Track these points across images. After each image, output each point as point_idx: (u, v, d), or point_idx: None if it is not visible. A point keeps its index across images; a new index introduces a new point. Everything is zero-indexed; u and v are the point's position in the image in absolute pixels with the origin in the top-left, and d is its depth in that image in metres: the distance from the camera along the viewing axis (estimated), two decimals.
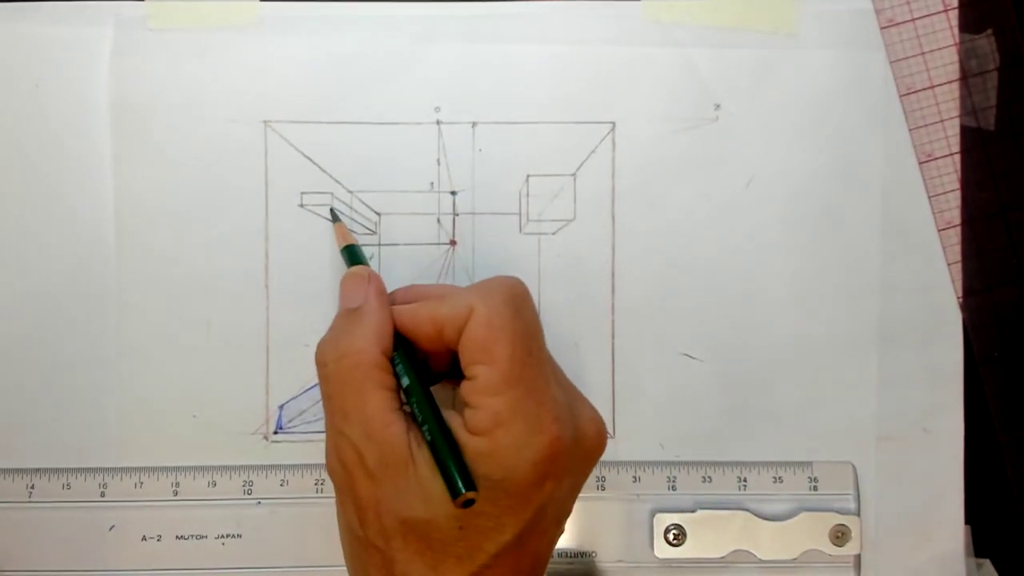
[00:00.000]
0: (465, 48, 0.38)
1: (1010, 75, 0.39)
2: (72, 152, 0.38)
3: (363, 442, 0.29)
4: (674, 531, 0.37)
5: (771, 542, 0.37)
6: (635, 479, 0.38)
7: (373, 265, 0.38)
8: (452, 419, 0.29)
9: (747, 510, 0.38)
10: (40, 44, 0.37)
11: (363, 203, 0.38)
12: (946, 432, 0.38)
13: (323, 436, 0.37)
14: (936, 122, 0.38)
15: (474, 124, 0.38)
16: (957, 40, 0.38)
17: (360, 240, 0.38)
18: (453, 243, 0.38)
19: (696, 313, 0.38)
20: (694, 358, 0.38)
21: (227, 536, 0.38)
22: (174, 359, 0.38)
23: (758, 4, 0.38)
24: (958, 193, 0.39)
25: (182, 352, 0.38)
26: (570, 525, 0.38)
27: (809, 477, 0.38)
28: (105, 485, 0.37)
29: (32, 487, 0.37)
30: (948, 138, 0.38)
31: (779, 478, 0.38)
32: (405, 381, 0.30)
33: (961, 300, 0.39)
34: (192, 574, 0.38)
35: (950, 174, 0.39)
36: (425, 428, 0.29)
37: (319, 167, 0.38)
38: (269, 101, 0.38)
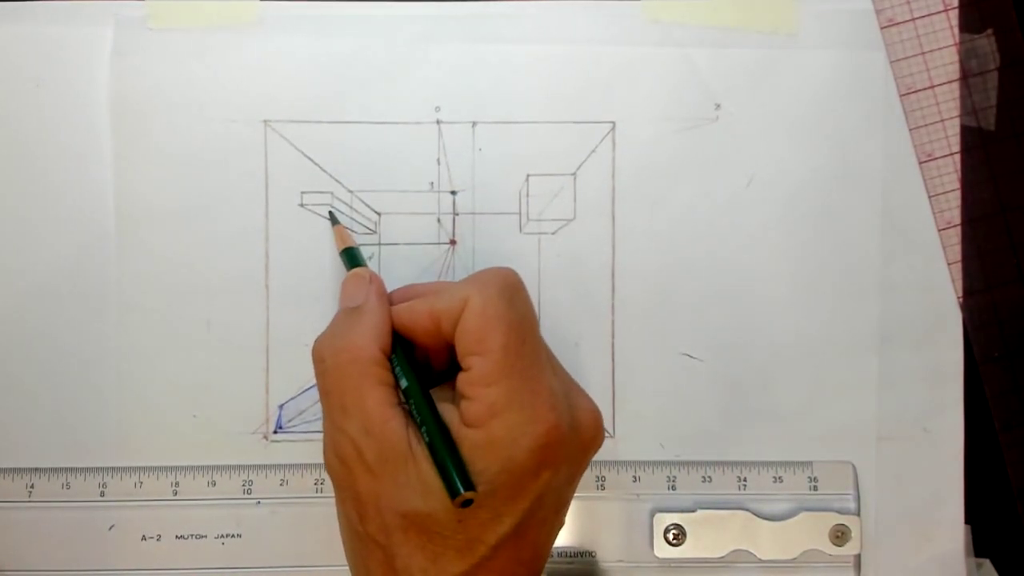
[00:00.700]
0: (465, 48, 0.38)
1: (1010, 75, 0.39)
2: (72, 152, 0.38)
3: (362, 437, 0.29)
4: (674, 531, 0.37)
5: (771, 542, 0.37)
6: (635, 479, 0.38)
7: (373, 265, 0.38)
8: (449, 413, 0.29)
9: (747, 510, 0.38)
10: (40, 44, 0.37)
11: (363, 203, 0.38)
12: (946, 432, 0.38)
13: (322, 436, 0.38)
14: (936, 122, 0.38)
15: (474, 124, 0.38)
16: (957, 40, 0.38)
17: (360, 240, 0.38)
18: (453, 243, 0.38)
19: (696, 313, 0.38)
20: (694, 358, 0.38)
21: (227, 536, 0.38)
22: (174, 359, 0.38)
23: (758, 4, 0.38)
24: (958, 193, 0.38)
25: (182, 352, 0.38)
26: (570, 525, 0.38)
27: (809, 477, 0.38)
28: (105, 485, 0.37)
29: (32, 487, 0.37)
30: (948, 138, 0.38)
31: (779, 478, 0.38)
32: (404, 382, 0.30)
33: (961, 300, 0.38)
34: (192, 574, 0.38)
35: (950, 174, 0.39)
36: (424, 429, 0.29)
37: (319, 167, 0.38)
38: (269, 101, 0.38)
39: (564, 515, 0.32)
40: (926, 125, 0.38)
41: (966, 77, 0.39)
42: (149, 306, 0.38)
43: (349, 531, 0.31)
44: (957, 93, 0.38)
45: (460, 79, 0.38)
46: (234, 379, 0.38)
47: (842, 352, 0.38)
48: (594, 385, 0.38)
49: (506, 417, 0.28)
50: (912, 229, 0.39)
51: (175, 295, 0.38)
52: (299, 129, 0.38)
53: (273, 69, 0.38)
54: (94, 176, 0.38)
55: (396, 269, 0.38)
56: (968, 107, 0.39)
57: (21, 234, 0.38)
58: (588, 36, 0.38)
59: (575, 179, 0.38)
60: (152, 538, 0.37)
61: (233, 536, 0.38)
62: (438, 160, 0.38)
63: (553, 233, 0.38)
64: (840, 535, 0.37)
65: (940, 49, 0.38)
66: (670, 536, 0.37)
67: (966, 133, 0.38)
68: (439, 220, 0.38)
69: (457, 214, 0.38)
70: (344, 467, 0.29)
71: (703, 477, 0.38)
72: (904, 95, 0.38)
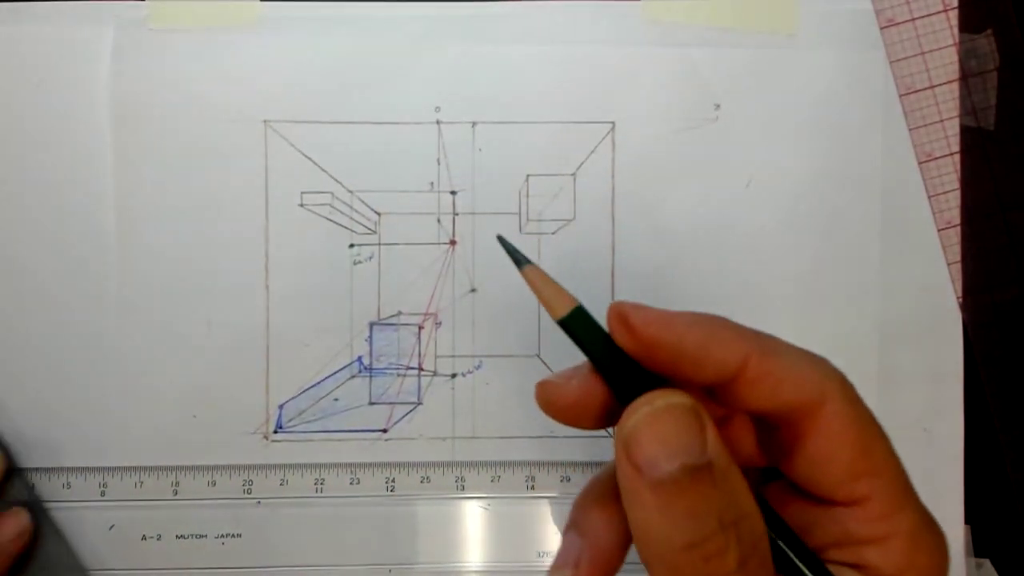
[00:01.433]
0: (465, 48, 0.38)
1: (1010, 75, 0.39)
2: (73, 152, 0.38)
3: None
4: None
5: None
6: None
7: (373, 265, 0.38)
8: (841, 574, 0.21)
9: None
10: (41, 44, 0.37)
11: (363, 203, 0.38)
12: (946, 432, 0.38)
13: (322, 435, 0.38)
14: (936, 122, 0.38)
15: (474, 124, 0.38)
16: (957, 40, 0.38)
17: (360, 240, 0.38)
18: (453, 243, 0.38)
19: None
20: None
21: (227, 536, 0.38)
22: (174, 359, 0.38)
23: (758, 4, 0.38)
24: (958, 193, 0.38)
25: (182, 352, 0.38)
26: None
27: None
28: (105, 485, 0.37)
29: (33, 487, 0.37)
30: (948, 138, 0.38)
31: None
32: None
33: (961, 300, 0.38)
34: (192, 574, 0.38)
35: (950, 174, 0.38)
36: None
37: (319, 167, 0.38)
38: (269, 101, 0.38)
39: None
40: (926, 125, 0.38)
41: (966, 77, 0.39)
42: (149, 306, 0.38)
43: None
44: (957, 93, 0.38)
45: (460, 79, 0.38)
46: (234, 379, 0.38)
47: (842, 352, 0.38)
48: None
49: (926, 543, 0.21)
50: (912, 229, 0.39)
51: (175, 295, 0.38)
52: (299, 129, 0.38)
53: (273, 69, 0.38)
54: (94, 175, 0.38)
55: (396, 269, 0.38)
56: (968, 107, 0.39)
57: (22, 234, 0.38)
58: (588, 36, 0.38)
59: (575, 179, 0.38)
60: (152, 538, 0.37)
61: (233, 536, 0.38)
62: (438, 160, 0.38)
63: (553, 233, 0.38)
64: None
65: (940, 49, 0.38)
66: None
67: (966, 133, 0.38)
68: (439, 220, 0.38)
69: (457, 214, 0.38)
70: None
71: None
72: (904, 95, 0.38)
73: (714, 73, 0.38)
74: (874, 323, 0.38)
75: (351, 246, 0.38)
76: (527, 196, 0.38)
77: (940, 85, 0.38)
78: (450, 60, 0.38)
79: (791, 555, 0.20)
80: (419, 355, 0.38)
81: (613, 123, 0.38)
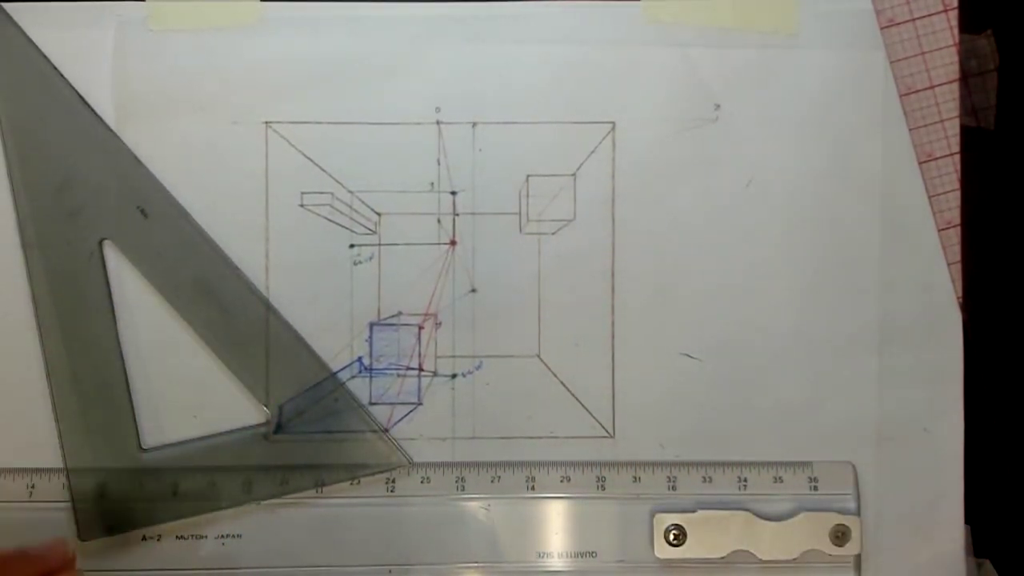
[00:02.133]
0: (465, 48, 0.38)
1: (1010, 75, 0.39)
2: None
3: None
4: (674, 531, 0.37)
5: (771, 542, 0.37)
6: (635, 479, 0.38)
7: (373, 265, 0.38)
8: None
9: (747, 510, 0.38)
10: (41, 45, 0.37)
11: (363, 203, 0.38)
12: (946, 432, 0.38)
13: (323, 436, 0.38)
14: (936, 122, 0.38)
15: (474, 124, 0.38)
16: (957, 40, 0.38)
17: (360, 240, 0.38)
18: (453, 243, 0.38)
19: (696, 313, 0.38)
20: (694, 358, 0.38)
21: (227, 536, 0.38)
22: (174, 359, 0.38)
23: (758, 4, 0.38)
24: (958, 193, 0.38)
25: (182, 352, 0.38)
26: (570, 525, 0.38)
27: (809, 477, 0.38)
28: (104, 484, 0.37)
29: (32, 487, 0.37)
30: (948, 138, 0.38)
31: (779, 478, 0.38)
32: None
33: (961, 300, 0.38)
34: (192, 574, 0.38)
35: (950, 174, 0.39)
36: None
37: (319, 167, 0.38)
38: (269, 101, 0.38)
39: None
40: (926, 125, 0.38)
41: (966, 77, 0.39)
42: (149, 306, 0.38)
43: None
44: (957, 93, 0.38)
45: (460, 79, 0.38)
46: (234, 379, 0.38)
47: (842, 352, 0.39)
48: (594, 385, 0.38)
49: None
50: (912, 229, 0.39)
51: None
52: (299, 129, 0.38)
53: (273, 69, 0.38)
54: None
55: (396, 269, 0.38)
56: (968, 107, 0.39)
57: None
58: (588, 36, 0.38)
59: (575, 179, 0.38)
60: (152, 538, 0.37)
61: (233, 536, 0.38)
62: (438, 160, 0.38)
63: (553, 233, 0.38)
64: (840, 535, 0.37)
65: (940, 49, 0.38)
66: (670, 536, 0.37)
67: (966, 133, 0.38)
68: (439, 220, 0.38)
69: (457, 214, 0.38)
70: None
71: (703, 477, 0.38)
72: (904, 95, 0.39)
73: (714, 73, 0.38)
74: (874, 323, 0.38)
75: (351, 246, 0.38)
76: (527, 196, 0.38)
77: (940, 85, 0.38)
78: (450, 60, 0.38)
79: None
80: (419, 355, 0.38)
81: (613, 123, 0.38)
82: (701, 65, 0.38)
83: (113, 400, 0.37)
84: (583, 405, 0.38)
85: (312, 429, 0.38)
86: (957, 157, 0.38)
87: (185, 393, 0.38)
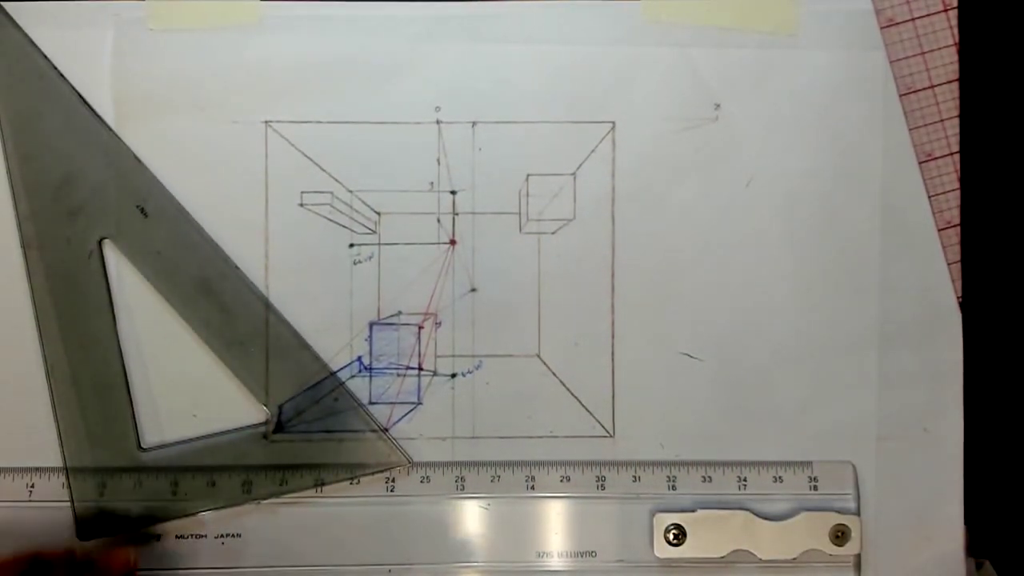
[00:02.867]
0: (465, 48, 0.38)
1: (1009, 75, 0.39)
2: None
3: None
4: (674, 531, 0.37)
5: (771, 542, 0.37)
6: (635, 479, 0.38)
7: (373, 265, 0.38)
8: None
9: (747, 510, 0.38)
10: (41, 45, 0.37)
11: (363, 203, 0.38)
12: (946, 432, 0.38)
13: (323, 436, 0.38)
14: (936, 122, 0.38)
15: (474, 124, 0.38)
16: (957, 40, 0.38)
17: (360, 240, 0.38)
18: (453, 243, 0.38)
19: (696, 313, 0.38)
20: (694, 358, 0.38)
21: (227, 536, 0.38)
22: (174, 359, 0.38)
23: (758, 4, 0.38)
24: (958, 193, 0.38)
25: (182, 352, 0.38)
26: (570, 525, 0.38)
27: (809, 477, 0.38)
28: (103, 485, 0.37)
29: (32, 487, 0.37)
30: (948, 138, 0.38)
31: (779, 478, 0.38)
32: None
33: (961, 300, 0.38)
34: (192, 574, 0.38)
35: (950, 174, 0.39)
36: None
37: (319, 167, 0.38)
38: (269, 101, 0.38)
39: None
40: (926, 125, 0.38)
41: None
42: (149, 305, 0.38)
43: None
44: (957, 93, 0.38)
45: (460, 79, 0.38)
46: (234, 379, 0.38)
47: (842, 352, 0.39)
48: (594, 385, 0.38)
49: None
50: (912, 229, 0.39)
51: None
52: (299, 129, 0.38)
53: (273, 69, 0.38)
54: None
55: (396, 269, 0.38)
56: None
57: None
58: (588, 36, 0.38)
59: (575, 179, 0.38)
60: (152, 538, 0.37)
61: (233, 536, 0.38)
62: (438, 160, 0.38)
63: (553, 233, 0.38)
64: (840, 535, 0.37)
65: (940, 49, 0.38)
66: (670, 536, 0.37)
67: (966, 133, 0.38)
68: (439, 220, 0.38)
69: (457, 214, 0.38)
70: None
71: (703, 477, 0.38)
72: (904, 95, 0.39)
73: (714, 73, 0.38)
74: (874, 323, 0.38)
75: (351, 246, 0.38)
76: (527, 196, 0.38)
77: (940, 85, 0.38)
78: (450, 60, 0.38)
79: None
80: (419, 355, 0.38)
81: (613, 123, 0.38)
82: (701, 65, 0.38)
83: (112, 400, 0.37)
84: (583, 405, 0.38)
85: (312, 429, 0.38)
86: (957, 157, 0.38)
87: (185, 393, 0.38)
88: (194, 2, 0.38)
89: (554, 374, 0.38)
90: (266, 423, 0.38)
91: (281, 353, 0.38)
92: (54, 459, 0.37)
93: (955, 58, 0.38)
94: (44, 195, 0.37)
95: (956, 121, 0.38)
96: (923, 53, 0.38)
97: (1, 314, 0.38)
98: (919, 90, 0.38)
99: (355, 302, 0.38)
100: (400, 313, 0.38)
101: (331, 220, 0.38)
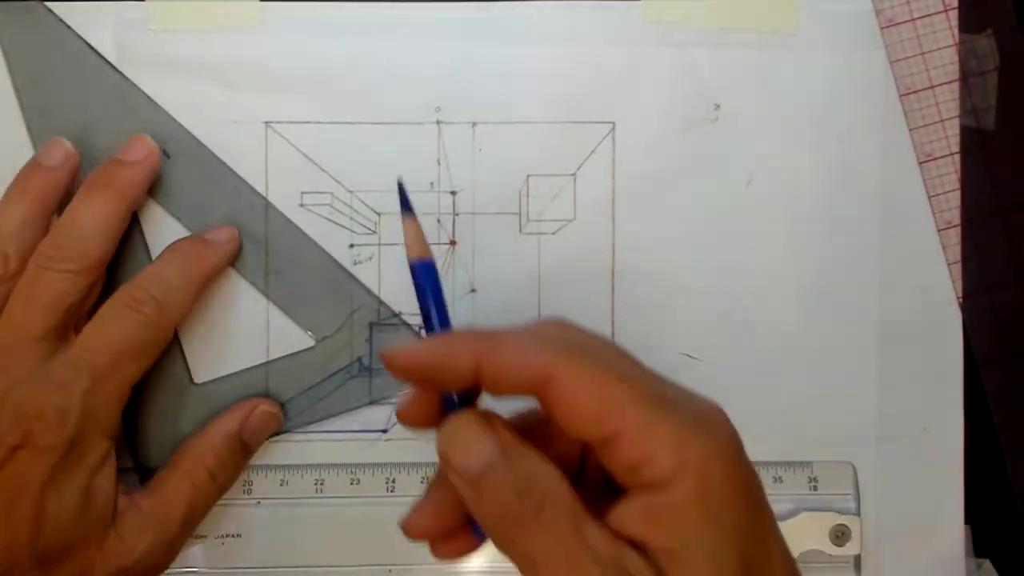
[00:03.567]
0: (465, 48, 0.38)
1: (1010, 75, 0.39)
2: None
3: None
4: None
5: None
6: None
7: (372, 265, 0.38)
8: None
9: None
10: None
11: (363, 203, 0.38)
12: (946, 432, 0.38)
13: (322, 436, 0.38)
14: (936, 122, 0.38)
15: (474, 124, 0.38)
16: (957, 40, 0.38)
17: (360, 240, 0.38)
18: (453, 243, 0.38)
19: (696, 313, 0.38)
20: (694, 358, 0.38)
21: (227, 536, 0.38)
22: (174, 359, 0.38)
23: (758, 4, 0.38)
24: (958, 193, 0.38)
25: (182, 352, 0.38)
26: None
27: (809, 477, 0.38)
28: None
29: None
30: (948, 138, 0.38)
31: (779, 478, 0.38)
32: None
33: (961, 300, 0.38)
34: (192, 574, 0.38)
35: (950, 174, 0.39)
36: None
37: (319, 167, 0.38)
38: (269, 101, 0.38)
39: None
40: (926, 125, 0.38)
41: (966, 77, 0.39)
42: None
43: None
44: (957, 93, 0.38)
45: (460, 79, 0.38)
46: (234, 379, 0.38)
47: (842, 352, 0.38)
48: None
49: (691, 440, 0.24)
50: (912, 229, 0.39)
51: None
52: (299, 129, 0.38)
53: (273, 69, 0.38)
54: None
55: (396, 269, 0.38)
56: (968, 107, 0.39)
57: None
58: (588, 36, 0.38)
59: (575, 179, 0.38)
60: None
61: (233, 536, 0.38)
62: (438, 160, 0.38)
63: (553, 233, 0.38)
64: (840, 535, 0.37)
65: (940, 49, 0.38)
66: None
67: (966, 133, 0.38)
68: (439, 220, 0.38)
69: (457, 214, 0.38)
70: None
71: None
72: (904, 95, 0.38)
73: (714, 73, 0.38)
74: (874, 323, 0.38)
75: (351, 246, 0.38)
76: (527, 196, 0.38)
77: (940, 85, 0.38)
78: (450, 60, 0.38)
79: None
80: None
81: (613, 123, 0.38)
82: (701, 65, 0.38)
83: None
84: None
85: (312, 429, 0.38)
86: (957, 157, 0.38)
87: (186, 393, 0.38)
88: (194, 2, 0.38)
89: None
90: None
91: (281, 353, 0.38)
92: None
93: (955, 58, 0.38)
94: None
95: (956, 121, 0.38)
96: (923, 53, 0.38)
97: None
98: (919, 90, 0.38)
99: (355, 302, 0.38)
100: (400, 313, 0.38)
101: (331, 220, 0.38)
